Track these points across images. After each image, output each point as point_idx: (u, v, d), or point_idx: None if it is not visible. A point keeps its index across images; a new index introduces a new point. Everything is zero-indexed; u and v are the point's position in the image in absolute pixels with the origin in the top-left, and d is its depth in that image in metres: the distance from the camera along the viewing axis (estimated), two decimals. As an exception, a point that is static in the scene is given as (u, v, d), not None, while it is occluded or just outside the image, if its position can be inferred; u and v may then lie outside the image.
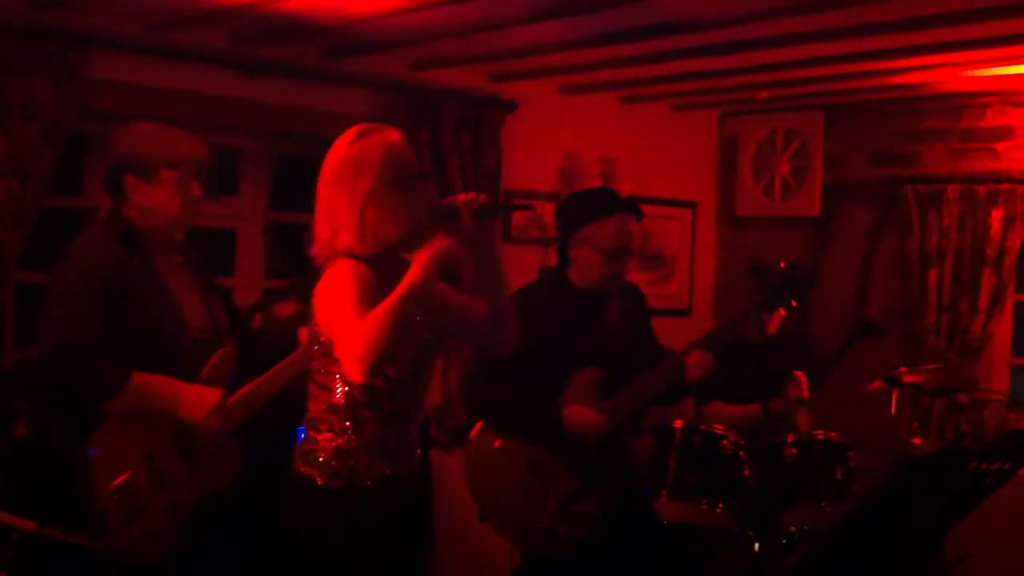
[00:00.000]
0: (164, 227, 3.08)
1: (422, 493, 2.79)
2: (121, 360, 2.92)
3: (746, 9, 3.73)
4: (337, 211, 2.57)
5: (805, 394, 4.23)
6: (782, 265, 3.59)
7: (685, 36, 4.06)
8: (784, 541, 3.74)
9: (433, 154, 4.74)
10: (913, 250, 5.29)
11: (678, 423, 3.83)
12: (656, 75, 4.93)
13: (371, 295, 2.42)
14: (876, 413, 4.31)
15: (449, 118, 4.80)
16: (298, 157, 4.90)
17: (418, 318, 2.54)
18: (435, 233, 2.53)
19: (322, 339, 2.56)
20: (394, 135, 2.64)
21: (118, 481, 2.92)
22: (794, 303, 3.57)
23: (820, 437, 3.95)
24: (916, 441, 4.37)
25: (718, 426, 3.88)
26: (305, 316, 3.51)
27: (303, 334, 3.18)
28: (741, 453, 3.78)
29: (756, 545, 3.75)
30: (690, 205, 6.09)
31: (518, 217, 5.03)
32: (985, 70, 4.57)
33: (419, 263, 2.44)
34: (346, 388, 2.58)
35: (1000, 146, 5.17)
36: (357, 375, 2.37)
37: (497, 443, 3.53)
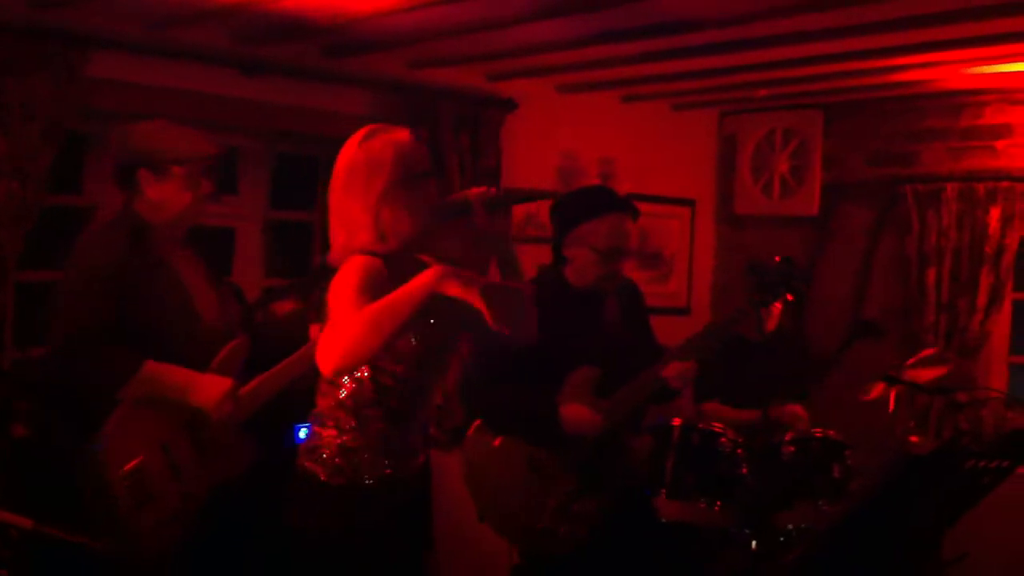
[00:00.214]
0: (173, 222, 3.16)
1: (423, 493, 2.79)
2: (136, 350, 2.98)
3: (745, 8, 3.73)
4: (352, 214, 2.56)
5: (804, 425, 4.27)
6: (776, 260, 3.59)
7: (684, 35, 4.06)
8: (782, 539, 3.74)
9: (432, 154, 4.71)
10: (912, 249, 5.30)
11: (676, 421, 3.84)
12: (655, 74, 4.93)
13: (377, 288, 2.40)
14: (874, 412, 4.31)
15: (448, 117, 4.81)
16: (297, 156, 4.90)
17: (432, 320, 2.52)
18: (448, 229, 2.53)
19: None
20: (403, 134, 2.64)
21: (129, 466, 2.97)
22: (789, 297, 3.56)
23: (818, 435, 3.96)
24: (914, 439, 4.38)
25: (717, 424, 3.88)
26: (304, 315, 3.53)
27: (314, 331, 3.20)
28: (739, 451, 3.78)
29: (754, 543, 3.75)
30: (689, 204, 6.09)
31: (517, 215, 5.03)
32: (984, 68, 4.57)
33: (427, 278, 2.33)
34: (354, 385, 2.58)
35: (999, 144, 5.17)
36: (326, 368, 2.32)
37: (496, 442, 3.53)
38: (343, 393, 2.59)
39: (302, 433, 2.79)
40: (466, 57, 4.64)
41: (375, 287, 2.40)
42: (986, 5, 3.57)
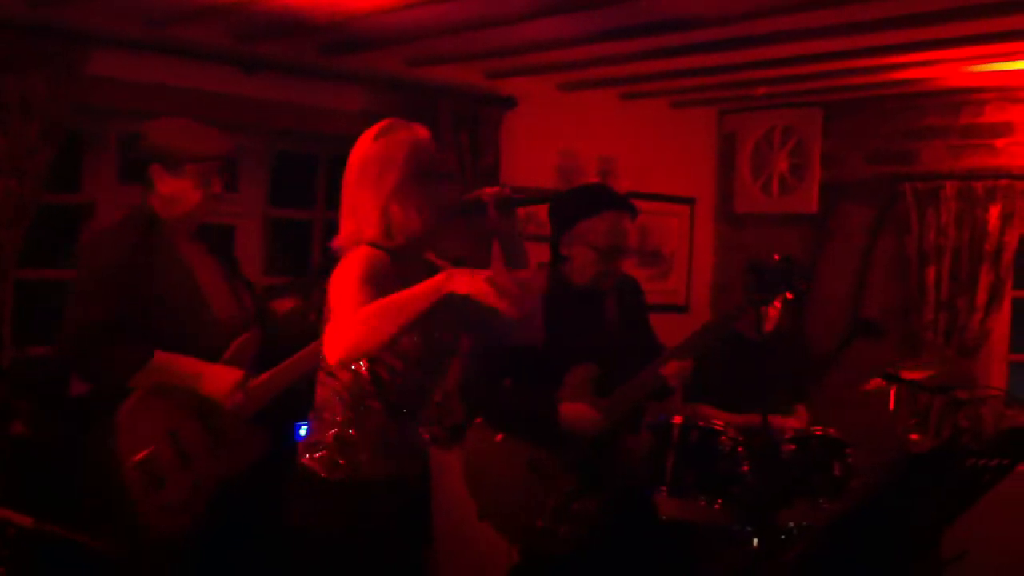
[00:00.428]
0: (184, 217, 3.22)
1: (423, 492, 2.79)
2: (147, 342, 3.03)
3: (744, 6, 3.72)
4: (362, 206, 2.57)
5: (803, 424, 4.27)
6: (776, 258, 3.59)
7: (683, 33, 4.06)
8: (782, 537, 3.74)
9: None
10: (911, 248, 5.29)
11: (677, 419, 3.83)
12: (654, 72, 4.93)
13: (381, 281, 2.40)
14: (874, 410, 4.31)
15: (447, 115, 4.80)
16: (296, 154, 4.90)
17: (435, 320, 2.51)
18: (453, 227, 2.54)
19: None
20: (421, 132, 2.64)
21: (140, 455, 3.02)
22: (789, 295, 3.56)
23: (818, 433, 3.96)
24: (914, 438, 4.37)
25: (717, 422, 3.88)
26: (304, 313, 3.54)
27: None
28: (739, 449, 3.78)
29: (754, 541, 3.75)
30: (688, 202, 6.09)
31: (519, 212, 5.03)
32: (984, 66, 4.56)
33: (441, 278, 2.32)
34: (351, 377, 2.58)
35: (999, 142, 5.17)
36: (332, 357, 2.33)
37: (499, 437, 3.53)
38: (340, 385, 2.59)
39: (303, 431, 2.79)
40: (465, 55, 4.63)
41: (378, 279, 2.41)
42: (985, 3, 3.57)
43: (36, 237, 3.88)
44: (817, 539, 3.03)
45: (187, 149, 3.17)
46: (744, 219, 6.10)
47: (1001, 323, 5.24)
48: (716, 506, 3.72)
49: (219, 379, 3.10)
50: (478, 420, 3.59)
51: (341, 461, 2.58)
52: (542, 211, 4.07)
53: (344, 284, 2.42)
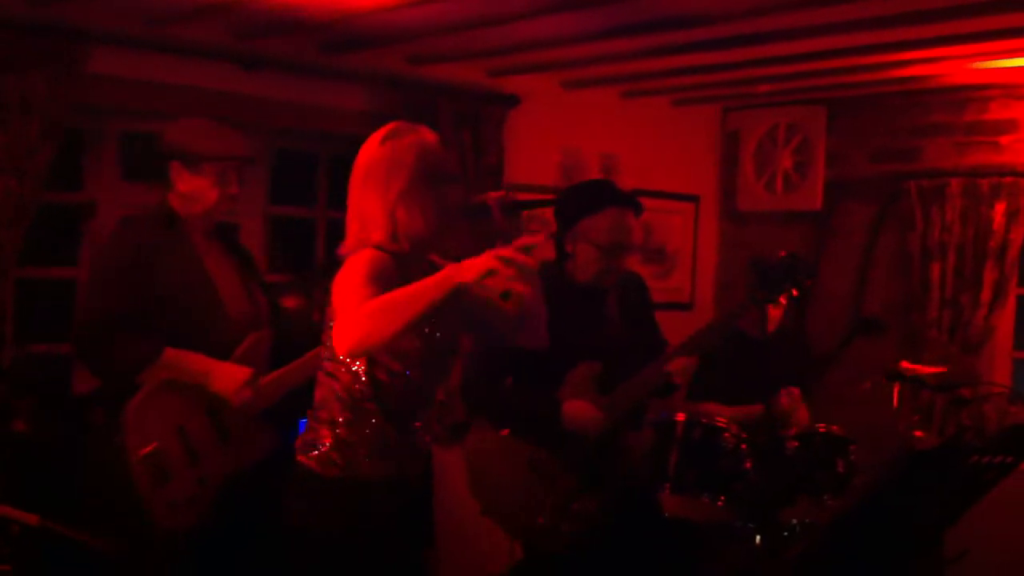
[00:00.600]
0: (202, 215, 3.29)
1: (423, 492, 2.78)
2: (159, 337, 3.09)
3: (748, 3, 3.72)
4: (368, 209, 2.57)
5: (798, 403, 4.23)
6: (781, 255, 3.58)
7: (686, 31, 4.05)
8: (785, 535, 3.73)
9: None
10: (915, 245, 5.28)
11: (680, 416, 3.82)
12: (658, 69, 4.92)
13: (385, 283, 2.39)
14: (878, 407, 4.30)
15: (448, 114, 4.79)
16: (297, 152, 4.89)
17: (437, 321, 2.52)
18: (466, 231, 2.55)
19: (332, 324, 2.55)
20: (428, 135, 2.63)
21: (147, 449, 3.06)
22: (795, 292, 3.55)
23: (821, 430, 3.94)
24: (917, 435, 4.36)
25: (720, 419, 3.86)
26: (307, 311, 3.54)
27: None
28: (742, 447, 3.77)
29: (757, 539, 3.73)
30: (692, 199, 6.08)
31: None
32: (988, 63, 4.55)
33: (445, 275, 2.31)
34: (349, 377, 2.57)
35: (1003, 139, 5.16)
36: (340, 348, 2.32)
37: (504, 431, 3.52)
38: (339, 385, 2.58)
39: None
40: (467, 53, 4.62)
41: (383, 280, 2.40)
42: (990, 0, 3.55)
43: (37, 236, 3.88)
44: (820, 536, 3.02)
45: (206, 148, 3.24)
46: (748, 217, 6.09)
47: (1006, 320, 5.22)
48: (719, 503, 3.70)
49: (228, 376, 3.13)
50: (480, 419, 3.58)
51: (339, 461, 2.57)
52: (546, 210, 4.06)
53: (349, 283, 2.42)
